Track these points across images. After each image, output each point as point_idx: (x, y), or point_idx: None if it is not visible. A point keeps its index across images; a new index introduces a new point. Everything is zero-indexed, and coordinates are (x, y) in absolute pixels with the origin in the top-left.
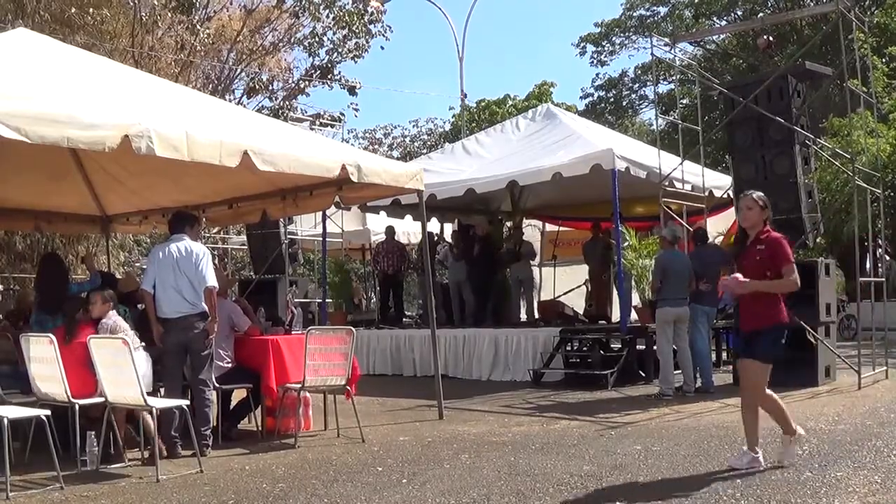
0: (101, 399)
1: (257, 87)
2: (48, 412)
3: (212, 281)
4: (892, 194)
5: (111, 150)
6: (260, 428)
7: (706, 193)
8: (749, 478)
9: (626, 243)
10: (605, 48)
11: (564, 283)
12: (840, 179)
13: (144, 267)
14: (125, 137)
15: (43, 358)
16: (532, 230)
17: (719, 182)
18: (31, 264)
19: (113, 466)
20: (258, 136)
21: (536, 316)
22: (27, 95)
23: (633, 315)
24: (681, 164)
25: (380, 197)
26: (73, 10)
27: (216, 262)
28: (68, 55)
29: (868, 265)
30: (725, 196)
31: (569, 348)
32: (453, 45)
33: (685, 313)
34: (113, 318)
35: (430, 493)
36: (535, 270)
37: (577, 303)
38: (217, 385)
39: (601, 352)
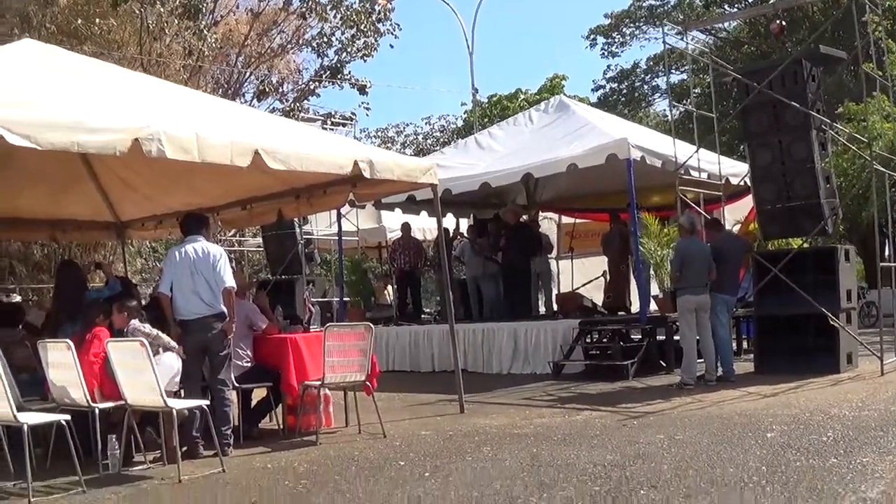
0: (121, 402)
1: (267, 89)
2: (68, 417)
3: (230, 281)
4: None
5: (122, 153)
6: (281, 426)
7: (722, 181)
8: (774, 465)
9: (648, 229)
10: (616, 39)
11: (582, 276)
12: (857, 165)
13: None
14: (135, 141)
15: (61, 363)
16: (548, 223)
17: (735, 170)
18: (49, 275)
19: (134, 469)
20: (269, 136)
21: (555, 308)
22: (35, 103)
23: (653, 305)
24: (696, 151)
25: (394, 193)
26: (80, 21)
27: (233, 264)
28: (75, 62)
29: (887, 251)
30: (742, 184)
31: (588, 340)
32: (463, 41)
33: (706, 301)
34: (133, 325)
35: (454, 486)
36: (553, 263)
37: (595, 294)
38: (237, 385)
39: (621, 343)
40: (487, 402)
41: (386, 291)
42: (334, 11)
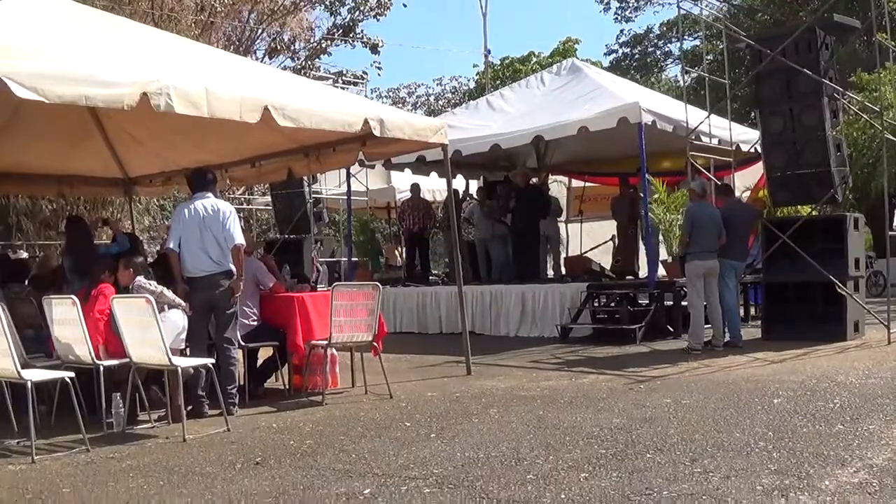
0: (126, 360)
1: (279, 47)
2: (72, 374)
3: (239, 239)
4: None
5: (130, 107)
6: (287, 386)
7: (733, 147)
8: (780, 430)
9: (655, 196)
10: (630, 4)
11: (591, 239)
12: (867, 135)
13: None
14: (144, 95)
15: (66, 320)
16: (558, 186)
17: (746, 136)
18: (57, 231)
19: (139, 427)
20: (279, 92)
21: (563, 272)
22: (43, 55)
23: (661, 270)
24: (707, 117)
25: (404, 152)
26: None
27: (241, 223)
28: (84, 15)
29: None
30: (753, 150)
31: (596, 304)
32: (476, 3)
33: (715, 267)
34: (138, 282)
35: (459, 447)
36: (562, 226)
37: (603, 259)
38: (243, 343)
39: (629, 307)
40: (494, 365)
41: (397, 252)
42: None
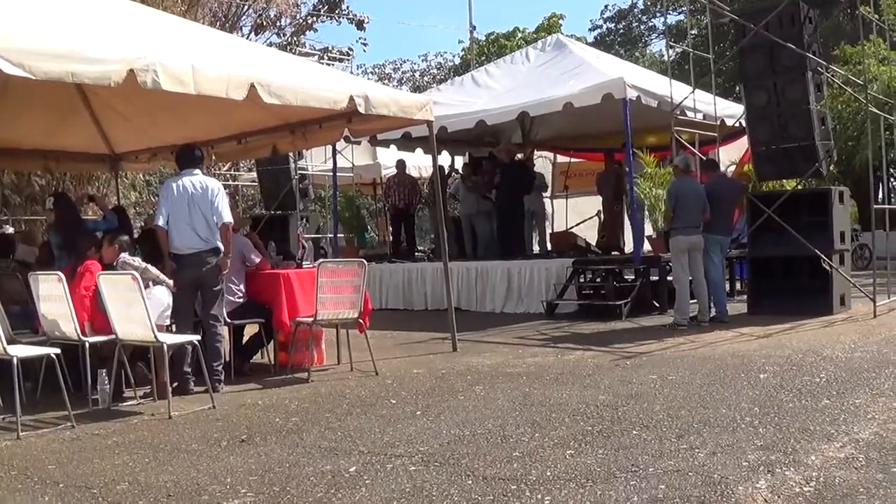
0: (112, 337)
1: (265, 23)
2: (58, 351)
3: (228, 217)
4: None
5: (117, 84)
6: (273, 363)
7: (718, 122)
8: (767, 405)
9: (644, 170)
10: None
11: (576, 215)
12: (852, 108)
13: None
14: (130, 71)
15: (52, 296)
16: (543, 162)
17: (731, 111)
18: (44, 206)
19: (125, 404)
20: (265, 69)
21: (549, 247)
22: (30, 31)
23: (647, 245)
24: (692, 92)
25: (389, 129)
26: None
27: (228, 200)
28: None
29: (881, 193)
30: (737, 125)
31: (582, 279)
32: None
33: (699, 242)
34: (122, 259)
35: (445, 425)
36: (547, 202)
37: (589, 234)
38: (229, 320)
39: (614, 282)
40: (480, 341)
41: (390, 229)
42: None
